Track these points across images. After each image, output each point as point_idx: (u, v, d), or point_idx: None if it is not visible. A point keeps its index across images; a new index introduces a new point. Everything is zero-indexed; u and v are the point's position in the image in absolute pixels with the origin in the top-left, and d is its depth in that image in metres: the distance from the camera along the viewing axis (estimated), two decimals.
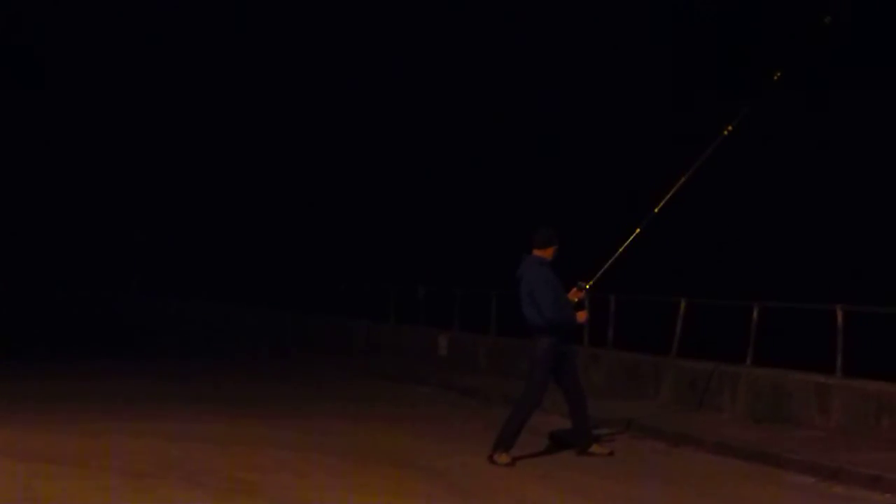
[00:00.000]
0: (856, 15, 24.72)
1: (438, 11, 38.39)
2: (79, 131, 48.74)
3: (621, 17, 34.33)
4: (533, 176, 35.39)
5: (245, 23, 44.08)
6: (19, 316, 36.33)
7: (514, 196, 34.86)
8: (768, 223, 30.41)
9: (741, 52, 30.33)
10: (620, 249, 12.01)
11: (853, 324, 13.19)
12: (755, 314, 14.41)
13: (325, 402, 16.22)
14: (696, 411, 14.44)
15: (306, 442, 12.40)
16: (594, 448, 11.87)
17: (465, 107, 37.51)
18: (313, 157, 42.26)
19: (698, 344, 15.59)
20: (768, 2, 31.30)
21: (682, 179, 12.20)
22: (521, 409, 11.51)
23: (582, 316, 11.79)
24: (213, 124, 44.87)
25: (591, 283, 11.94)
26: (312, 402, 16.18)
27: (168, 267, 42.68)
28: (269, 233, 43.19)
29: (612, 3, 34.30)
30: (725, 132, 12.34)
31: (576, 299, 11.73)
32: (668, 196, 12.15)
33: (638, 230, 12.07)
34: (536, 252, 11.59)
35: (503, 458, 11.21)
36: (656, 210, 12.10)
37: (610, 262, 12.00)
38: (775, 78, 12.76)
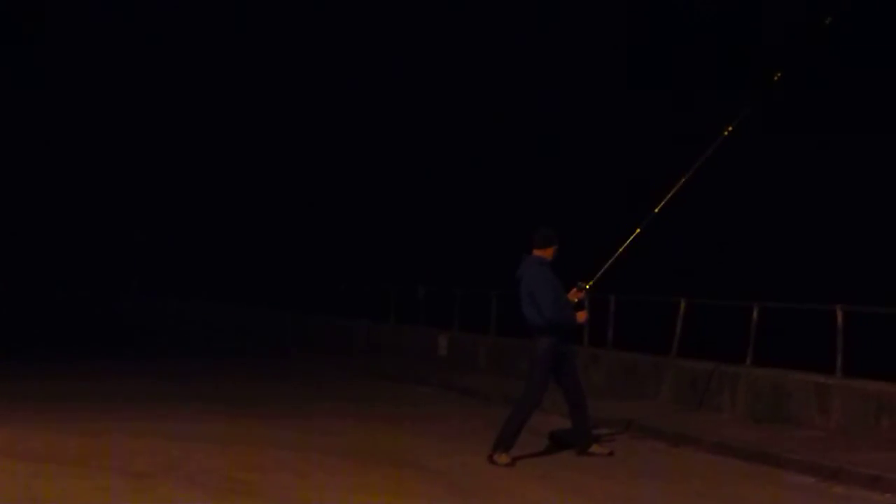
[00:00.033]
0: (856, 15, 24.71)
1: (438, 11, 38.41)
2: (79, 131, 48.75)
3: (621, 17, 34.33)
4: (533, 176, 35.40)
5: (245, 23, 44.11)
6: (19, 316, 36.33)
7: (514, 196, 34.87)
8: (768, 223, 30.41)
9: (741, 52, 30.33)
10: (620, 249, 12.01)
11: (853, 324, 13.18)
12: (755, 314, 14.41)
13: (325, 402, 16.22)
14: (696, 411, 14.44)
15: (306, 442, 12.39)
16: (594, 448, 11.86)
17: (465, 107, 37.52)
18: (313, 157, 42.28)
19: (698, 344, 15.59)
20: (768, 2, 31.31)
21: (683, 180, 12.20)
22: (521, 409, 11.51)
23: (582, 316, 11.79)
24: (213, 124, 44.89)
25: (591, 283, 11.93)
26: (312, 402, 16.17)
27: (168, 267, 42.74)
28: (269, 233, 43.21)
29: (612, 4, 34.31)
30: (726, 132, 12.34)
31: (576, 299, 11.72)
32: (669, 196, 12.14)
33: (638, 230, 12.07)
34: (536, 252, 11.59)
35: (503, 458, 11.21)
36: (656, 210, 12.10)
37: (610, 262, 12.00)
38: (775, 78, 12.76)
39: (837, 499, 10.08)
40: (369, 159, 40.87)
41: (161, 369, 20.55)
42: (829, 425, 12.74)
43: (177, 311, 35.46)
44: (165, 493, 9.57)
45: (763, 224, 30.47)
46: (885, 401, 12.14)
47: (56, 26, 47.54)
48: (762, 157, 29.22)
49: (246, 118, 43.99)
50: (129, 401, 15.64)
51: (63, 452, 11.31)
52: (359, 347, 24.42)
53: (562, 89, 35.12)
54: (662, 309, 16.32)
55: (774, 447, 11.76)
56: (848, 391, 12.65)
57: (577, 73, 34.83)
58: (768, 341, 14.40)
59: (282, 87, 43.02)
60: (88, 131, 48.59)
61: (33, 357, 22.79)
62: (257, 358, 24.00)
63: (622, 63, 34.33)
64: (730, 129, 12.37)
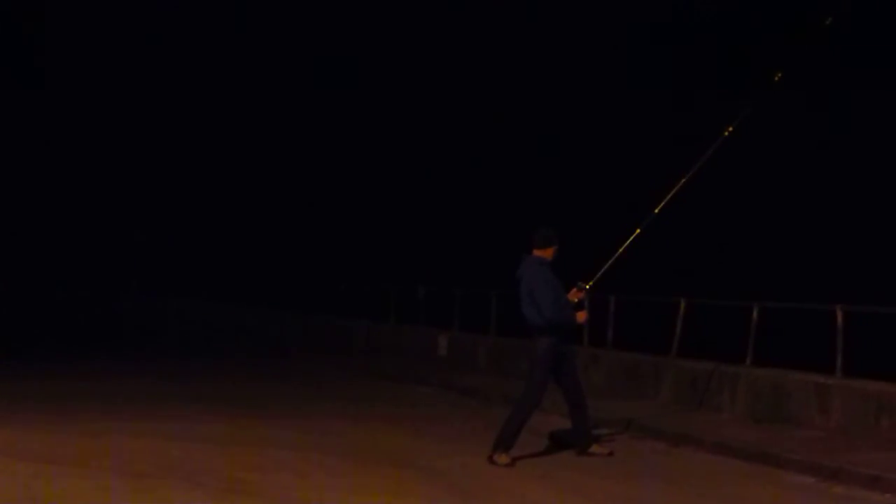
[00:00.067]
0: (856, 15, 24.71)
1: (438, 11, 38.41)
2: (78, 131, 48.75)
3: (621, 16, 34.34)
4: (533, 176, 35.40)
5: (245, 23, 44.10)
6: (19, 316, 36.33)
7: (514, 196, 34.87)
8: (768, 223, 30.42)
9: (741, 52, 30.34)
10: (620, 250, 12.01)
11: (853, 324, 13.18)
12: (755, 314, 14.41)
13: (325, 402, 16.22)
14: (696, 411, 14.44)
15: (306, 442, 12.40)
16: (594, 448, 11.87)
17: (465, 107, 37.52)
18: (313, 157, 42.28)
19: (698, 344, 15.59)
20: (768, 2, 31.32)
21: (683, 180, 12.20)
22: (521, 409, 11.51)
23: (582, 316, 11.80)
24: (212, 124, 44.88)
25: (591, 283, 11.94)
26: (312, 402, 16.17)
27: (168, 267, 42.72)
28: (269, 233, 43.20)
29: (612, 3, 34.31)
30: (726, 133, 12.34)
31: (576, 299, 11.73)
32: (669, 196, 12.14)
33: (638, 230, 12.07)
34: (536, 252, 11.60)
35: (503, 458, 11.21)
36: (656, 210, 12.10)
37: (610, 262, 12.00)
38: (776, 78, 12.76)
39: (837, 499, 10.09)
40: (369, 159, 40.88)
41: (161, 369, 20.55)
42: (829, 425, 12.74)
43: (177, 311, 35.46)
44: (165, 493, 9.57)
45: (763, 224, 30.48)
46: (885, 401, 12.14)
47: (56, 26, 47.54)
48: (762, 157, 29.22)
49: (246, 118, 43.99)
50: (129, 401, 15.64)
51: (63, 453, 11.31)
52: (359, 347, 24.41)
53: (562, 89, 35.12)
54: (662, 309, 16.32)
55: (774, 447, 11.76)
56: (848, 391, 12.65)
57: (577, 73, 34.84)
58: (768, 341, 14.40)
59: (282, 88, 43.03)
60: (88, 131, 48.58)
61: (33, 357, 22.78)
62: (257, 358, 24.00)
63: (622, 63, 34.33)
64: (730, 129, 12.37)
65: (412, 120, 39.41)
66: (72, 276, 45.88)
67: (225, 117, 44.39)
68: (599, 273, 12.01)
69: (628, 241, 12.04)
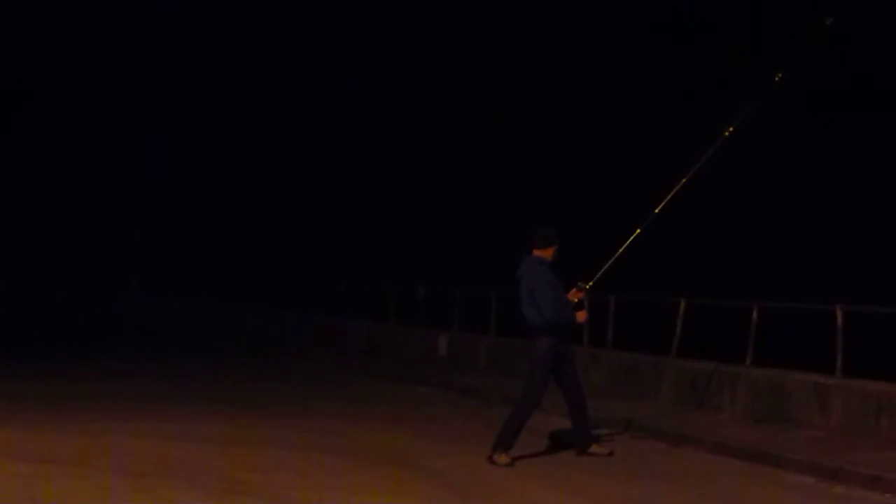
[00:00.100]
0: (856, 15, 24.71)
1: (438, 11, 38.41)
2: (79, 131, 48.75)
3: (622, 16, 34.33)
4: (533, 176, 35.39)
5: (245, 23, 44.10)
6: (19, 316, 36.33)
7: (514, 196, 34.87)
8: (768, 223, 30.42)
9: (741, 52, 30.33)
10: (620, 250, 12.01)
11: (853, 324, 13.18)
12: (755, 314, 14.41)
13: (325, 402, 16.22)
14: (695, 411, 14.44)
15: (306, 442, 12.40)
16: (594, 448, 11.87)
17: (465, 107, 37.51)
18: (313, 157, 42.27)
19: (698, 344, 15.59)
20: (768, 2, 31.31)
21: (683, 180, 12.20)
22: (521, 409, 11.52)
23: (582, 316, 11.80)
24: (212, 124, 44.88)
25: (591, 283, 11.94)
26: (312, 402, 16.17)
27: (168, 267, 42.72)
28: (269, 233, 43.20)
29: (612, 3, 34.31)
30: (726, 133, 12.34)
31: (576, 299, 11.73)
32: (669, 197, 12.14)
33: (638, 230, 12.07)
34: (536, 252, 11.60)
35: (503, 458, 11.21)
36: (657, 211, 12.10)
37: (610, 262, 12.01)
38: (776, 78, 12.75)
39: (837, 499, 10.09)
40: (369, 159, 40.87)
41: (161, 369, 20.55)
42: (829, 425, 12.74)
43: (177, 311, 35.47)
44: (165, 493, 9.57)
45: (763, 224, 30.47)
46: (885, 401, 12.14)
47: (55, 26, 47.55)
48: (762, 157, 29.22)
49: (246, 118, 43.99)
50: (129, 401, 15.64)
51: (63, 453, 11.31)
52: (359, 347, 24.41)
53: (562, 89, 35.11)
54: (662, 309, 16.32)
55: (774, 447, 11.76)
56: (848, 391, 12.65)
57: (576, 73, 34.83)
58: (768, 341, 14.40)
59: (282, 88, 43.02)
60: (88, 131, 48.59)
61: (33, 357, 22.78)
62: (257, 358, 24.00)
63: (622, 63, 34.32)
64: (730, 129, 12.37)
65: (412, 120, 39.41)
66: (72, 276, 45.88)
67: (225, 117, 44.39)
68: (599, 273, 12.01)
69: (628, 241, 12.04)
